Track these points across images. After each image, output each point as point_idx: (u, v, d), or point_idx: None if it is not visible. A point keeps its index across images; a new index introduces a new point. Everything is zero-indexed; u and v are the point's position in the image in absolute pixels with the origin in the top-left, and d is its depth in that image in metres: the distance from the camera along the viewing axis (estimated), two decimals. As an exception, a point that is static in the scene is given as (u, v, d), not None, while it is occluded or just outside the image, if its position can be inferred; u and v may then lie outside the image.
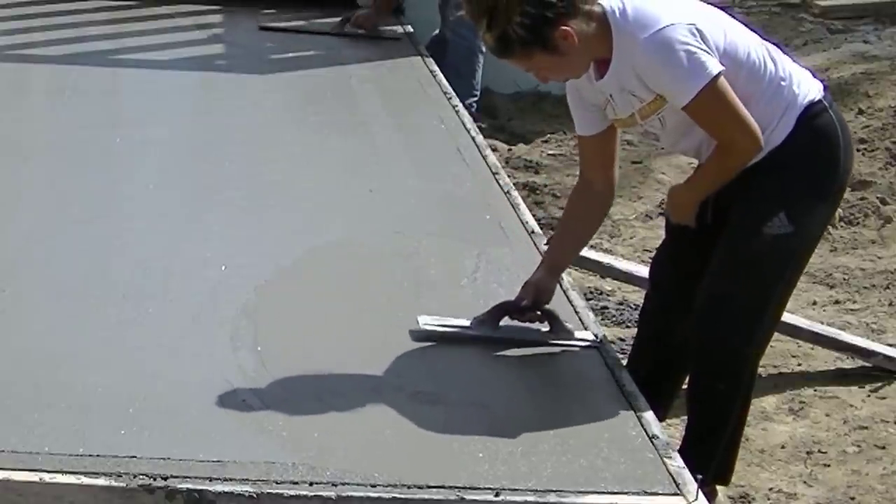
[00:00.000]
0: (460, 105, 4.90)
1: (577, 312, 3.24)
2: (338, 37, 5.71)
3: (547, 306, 3.10)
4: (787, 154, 3.06)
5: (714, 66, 2.89)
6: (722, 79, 2.91)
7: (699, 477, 2.54)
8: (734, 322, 3.11)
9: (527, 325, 3.09)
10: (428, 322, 3.09)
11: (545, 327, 3.09)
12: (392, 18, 5.99)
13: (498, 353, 3.01)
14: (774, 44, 3.19)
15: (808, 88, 3.11)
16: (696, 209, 3.16)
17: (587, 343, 3.11)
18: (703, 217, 3.17)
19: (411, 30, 5.94)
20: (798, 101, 3.07)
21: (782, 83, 3.06)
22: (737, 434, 3.31)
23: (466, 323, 3.07)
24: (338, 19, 5.84)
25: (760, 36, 3.15)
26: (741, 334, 3.13)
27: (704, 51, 2.89)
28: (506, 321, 3.08)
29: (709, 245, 3.16)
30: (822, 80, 3.21)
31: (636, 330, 3.64)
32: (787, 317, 4.29)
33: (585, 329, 3.16)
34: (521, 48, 2.86)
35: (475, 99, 6.04)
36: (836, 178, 3.13)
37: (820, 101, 3.10)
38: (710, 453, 3.21)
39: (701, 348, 3.18)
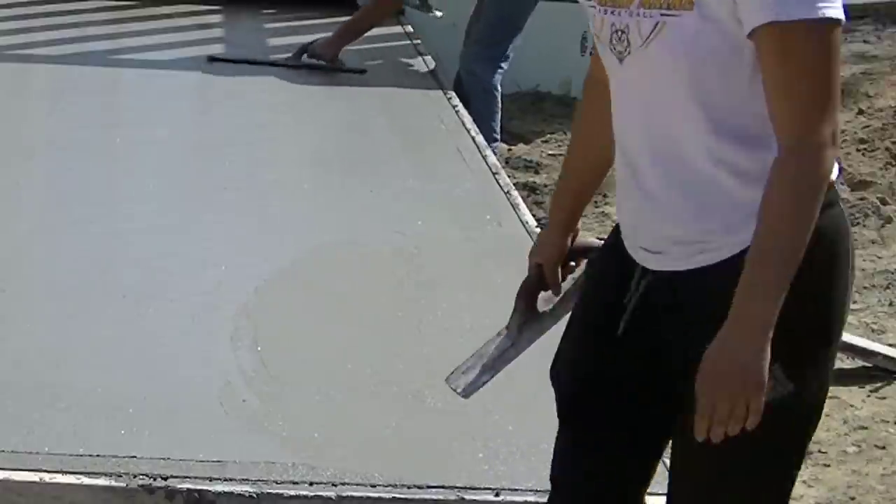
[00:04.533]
0: (460, 105, 4.89)
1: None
2: (294, 68, 5.12)
3: None
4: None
5: (837, 10, 1.87)
6: (839, 31, 1.89)
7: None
8: None
9: None
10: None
11: None
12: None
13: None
14: None
15: None
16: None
17: None
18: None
19: (411, 29, 5.94)
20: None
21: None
22: None
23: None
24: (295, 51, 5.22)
25: None
26: None
27: None
28: None
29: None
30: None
31: None
32: (787, 317, 4.29)
33: None
34: None
35: (496, 144, 5.46)
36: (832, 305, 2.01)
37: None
38: None
39: None
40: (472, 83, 5.44)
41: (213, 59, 5.20)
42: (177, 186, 3.97)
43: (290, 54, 5.21)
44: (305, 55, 5.18)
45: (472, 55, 5.51)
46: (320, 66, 5.14)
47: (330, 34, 5.23)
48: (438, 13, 5.83)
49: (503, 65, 5.59)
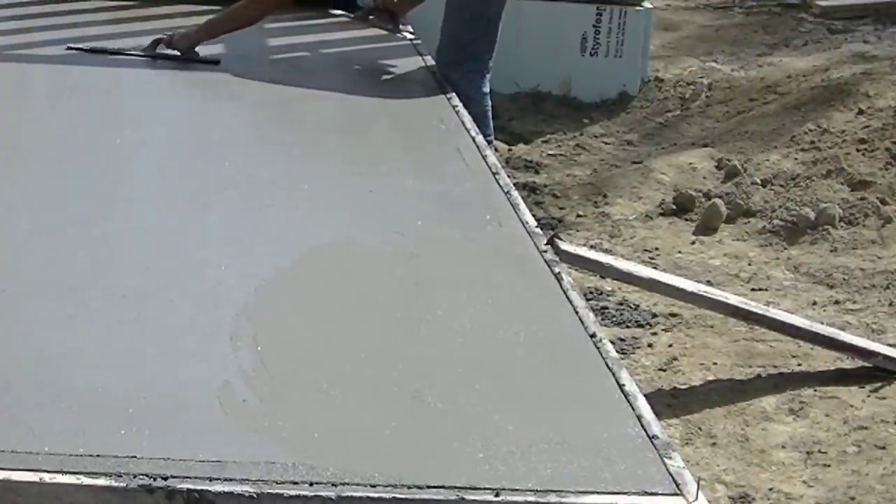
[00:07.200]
0: (460, 105, 4.89)
1: (577, 312, 3.24)
2: (150, 58, 5.18)
3: None
4: None
5: None
6: None
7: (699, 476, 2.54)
8: None
9: None
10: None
11: None
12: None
13: (500, 355, 3.01)
14: None
15: None
16: None
17: None
18: None
19: (411, 29, 5.94)
20: None
21: None
22: None
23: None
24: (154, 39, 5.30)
25: None
26: None
27: None
28: None
29: None
30: None
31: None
32: (786, 317, 4.30)
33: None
34: None
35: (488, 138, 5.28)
36: None
37: None
38: None
39: None
40: (454, 87, 5.20)
41: (70, 48, 5.25)
42: (177, 186, 3.97)
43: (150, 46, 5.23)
44: (160, 46, 5.21)
45: (445, 61, 5.31)
46: (173, 56, 5.18)
47: (190, 28, 5.31)
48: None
49: (482, 66, 5.33)
